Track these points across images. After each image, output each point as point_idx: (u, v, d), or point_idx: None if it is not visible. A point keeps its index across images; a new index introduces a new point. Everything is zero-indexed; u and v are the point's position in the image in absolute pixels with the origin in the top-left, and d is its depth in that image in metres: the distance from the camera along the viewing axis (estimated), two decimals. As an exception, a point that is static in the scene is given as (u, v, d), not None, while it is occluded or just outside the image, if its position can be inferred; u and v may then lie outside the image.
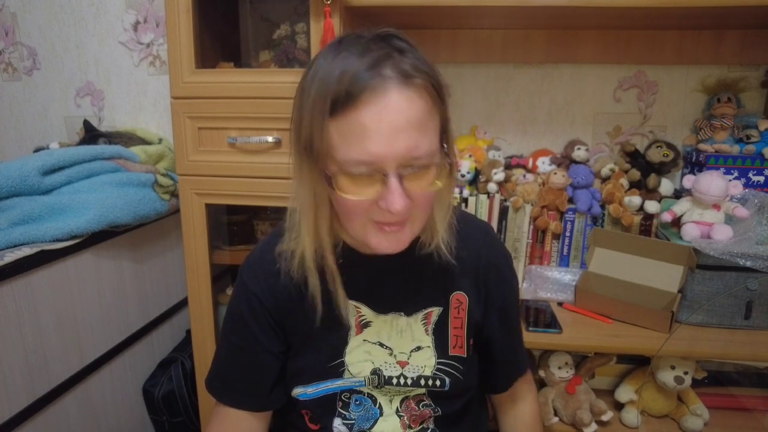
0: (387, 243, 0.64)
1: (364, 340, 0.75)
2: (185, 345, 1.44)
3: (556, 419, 1.24)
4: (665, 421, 1.28)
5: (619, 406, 1.30)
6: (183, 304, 1.51)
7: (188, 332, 1.49)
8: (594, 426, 1.21)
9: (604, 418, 1.22)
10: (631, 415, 1.26)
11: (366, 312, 0.75)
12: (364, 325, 0.75)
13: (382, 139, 0.56)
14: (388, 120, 0.56)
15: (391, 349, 0.74)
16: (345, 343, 0.75)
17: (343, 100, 0.56)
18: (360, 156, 0.57)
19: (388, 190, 0.58)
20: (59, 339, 1.07)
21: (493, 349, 0.82)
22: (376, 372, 0.74)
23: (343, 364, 0.74)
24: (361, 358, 0.74)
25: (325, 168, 0.61)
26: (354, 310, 0.75)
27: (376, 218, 0.62)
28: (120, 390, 1.27)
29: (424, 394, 0.76)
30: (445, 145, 0.63)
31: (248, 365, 0.77)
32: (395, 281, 0.75)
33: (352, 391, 0.76)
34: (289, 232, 0.71)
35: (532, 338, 1.14)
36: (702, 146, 1.31)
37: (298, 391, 0.76)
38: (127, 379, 1.30)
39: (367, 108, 0.56)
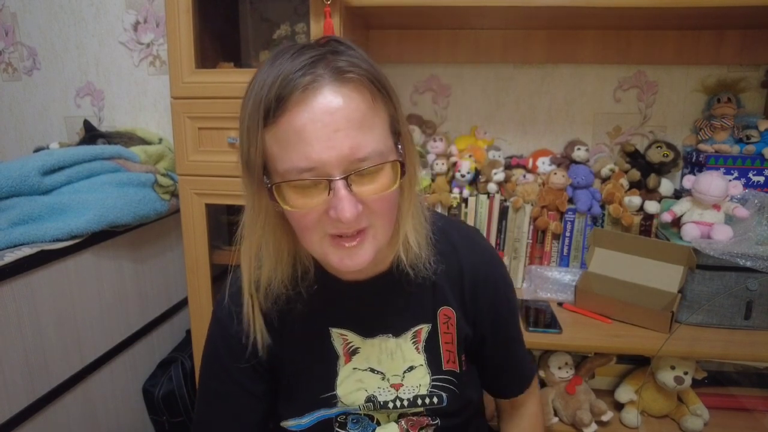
0: (349, 260, 0.58)
1: (354, 369, 0.71)
2: (185, 345, 1.44)
3: (556, 419, 1.24)
4: (665, 421, 1.28)
5: (619, 407, 1.30)
6: (183, 304, 1.51)
7: (188, 332, 1.49)
8: (594, 426, 1.21)
9: (604, 418, 1.22)
10: (631, 416, 1.26)
11: (353, 338, 0.71)
12: (353, 352, 0.71)
13: (321, 142, 0.52)
14: (324, 120, 0.52)
15: (383, 374, 0.72)
16: (335, 374, 0.71)
17: (274, 105, 0.52)
18: (300, 163, 0.53)
19: (335, 197, 0.53)
20: (59, 339, 1.07)
21: (491, 361, 0.79)
22: (370, 399, 0.71)
23: (335, 396, 0.71)
24: (353, 388, 0.71)
25: (268, 182, 0.56)
26: (340, 338, 0.71)
27: (330, 231, 0.57)
28: (120, 390, 1.27)
29: (422, 412, 0.74)
30: (399, 146, 0.59)
31: (231, 412, 0.73)
32: (378, 302, 0.71)
33: (347, 413, 0.73)
34: (253, 261, 0.66)
35: (532, 338, 1.14)
36: (702, 146, 1.31)
37: (291, 423, 0.73)
38: (127, 379, 1.30)
39: (299, 110, 0.52)
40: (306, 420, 0.72)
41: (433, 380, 0.72)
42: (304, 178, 0.54)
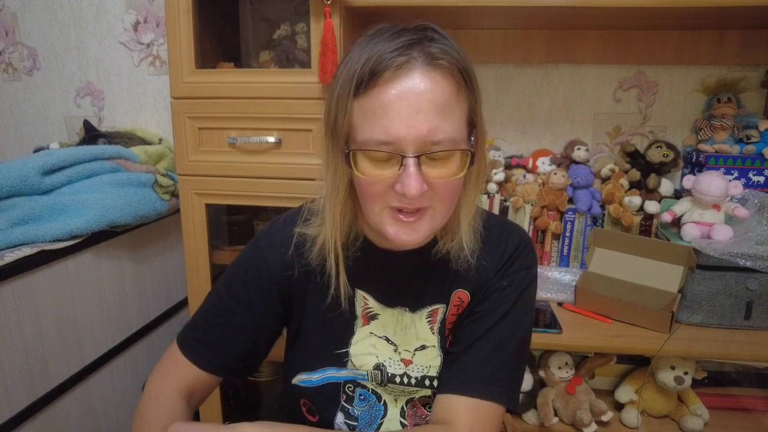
0: (404, 234, 0.62)
1: (371, 333, 0.73)
2: (185, 345, 1.44)
3: (556, 419, 1.24)
4: (665, 421, 1.28)
5: (619, 407, 1.30)
6: (183, 304, 1.51)
7: (188, 332, 1.49)
8: (594, 426, 1.21)
9: (604, 418, 1.22)
10: (631, 416, 1.26)
11: (373, 304, 0.73)
12: (371, 317, 0.74)
13: (402, 119, 0.55)
14: (410, 99, 0.55)
15: (396, 346, 0.73)
16: (351, 333, 0.74)
17: (367, 79, 0.56)
18: (379, 136, 0.57)
19: (405, 172, 0.57)
20: (59, 339, 1.07)
21: (460, 341, 0.71)
22: (379, 367, 0.73)
23: (347, 354, 0.73)
24: (365, 350, 0.73)
25: (346, 148, 0.60)
26: (362, 300, 0.73)
27: (393, 203, 0.60)
28: (120, 390, 1.27)
29: (429, 396, 0.74)
30: (472, 138, 0.62)
31: (230, 327, 0.74)
32: (404, 276, 0.73)
33: (356, 383, 0.75)
34: (315, 216, 0.70)
35: (533, 338, 1.13)
36: (702, 146, 1.31)
37: (301, 378, 0.75)
38: (127, 379, 1.30)
39: (389, 86, 0.56)
40: (316, 377, 0.74)
41: (444, 362, 0.73)
42: (380, 150, 0.57)
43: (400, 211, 0.61)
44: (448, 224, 0.68)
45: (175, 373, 0.74)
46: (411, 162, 0.56)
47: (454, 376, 0.69)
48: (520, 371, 0.73)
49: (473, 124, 0.62)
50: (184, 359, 0.73)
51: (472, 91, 0.61)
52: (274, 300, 0.74)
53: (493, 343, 0.69)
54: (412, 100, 0.55)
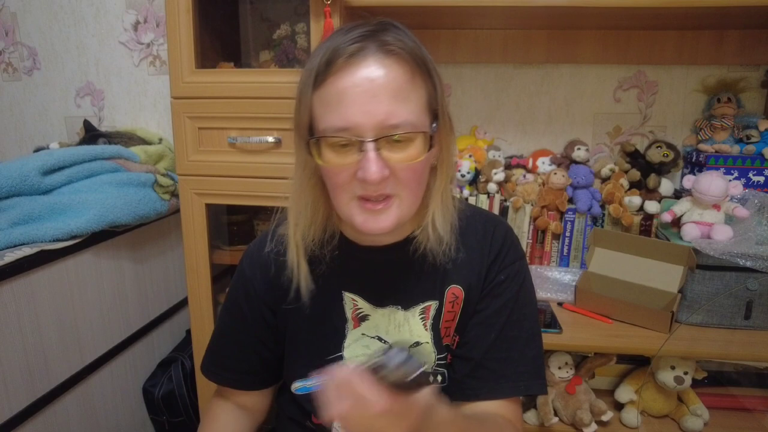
0: (372, 222, 0.63)
1: (363, 334, 0.74)
2: (185, 345, 1.44)
3: (556, 419, 1.24)
4: (665, 421, 1.28)
5: (619, 406, 1.30)
6: (183, 304, 1.51)
7: (188, 332, 1.49)
8: (594, 426, 1.21)
9: (604, 418, 1.22)
10: (631, 416, 1.26)
11: (363, 304, 0.73)
12: (362, 318, 0.74)
13: (358, 105, 0.57)
14: (364, 86, 0.57)
15: (390, 345, 0.73)
16: (343, 336, 0.74)
17: (323, 69, 0.58)
18: (338, 122, 0.58)
19: (364, 158, 0.58)
20: (59, 339, 1.07)
21: (475, 346, 0.73)
22: None
23: (341, 358, 0.74)
24: (359, 352, 0.73)
25: (309, 140, 0.62)
26: (350, 302, 0.74)
27: (358, 192, 0.61)
28: (120, 390, 1.27)
29: None
30: (434, 125, 0.63)
31: (237, 346, 0.79)
32: (392, 274, 0.73)
33: None
34: (301, 213, 0.72)
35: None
36: (702, 146, 1.31)
37: (297, 386, 0.76)
38: (127, 379, 1.30)
39: (343, 74, 0.57)
40: (310, 384, 0.75)
41: (438, 359, 0.73)
42: (338, 136, 0.59)
43: (367, 200, 0.62)
44: (420, 216, 0.68)
45: (221, 390, 0.83)
46: (370, 147, 0.57)
47: (482, 384, 0.71)
48: (539, 357, 0.74)
49: (435, 113, 0.63)
50: (223, 387, 0.82)
51: (429, 79, 0.62)
52: (265, 314, 0.77)
53: (507, 342, 0.72)
54: (367, 86, 0.57)
